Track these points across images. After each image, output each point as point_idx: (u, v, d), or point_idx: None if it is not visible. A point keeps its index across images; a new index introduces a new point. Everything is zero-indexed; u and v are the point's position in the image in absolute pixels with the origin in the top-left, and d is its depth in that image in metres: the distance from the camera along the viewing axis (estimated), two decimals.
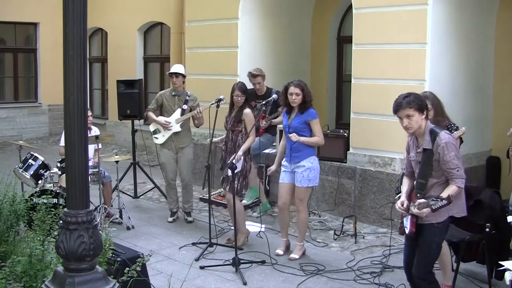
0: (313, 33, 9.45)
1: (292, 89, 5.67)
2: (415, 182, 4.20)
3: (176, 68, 7.12)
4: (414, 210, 3.94)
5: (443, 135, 4.00)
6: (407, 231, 4.12)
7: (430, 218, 4.02)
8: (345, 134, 7.34)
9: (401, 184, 4.93)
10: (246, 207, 7.62)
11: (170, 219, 7.20)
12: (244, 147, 6.05)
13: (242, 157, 5.96)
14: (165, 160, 7.14)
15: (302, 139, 5.68)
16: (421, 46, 6.46)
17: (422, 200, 3.93)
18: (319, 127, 5.81)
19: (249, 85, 7.38)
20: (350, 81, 7.28)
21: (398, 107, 4.03)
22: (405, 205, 4.12)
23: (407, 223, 4.13)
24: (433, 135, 4.01)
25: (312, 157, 5.80)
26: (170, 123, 6.99)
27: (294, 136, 5.66)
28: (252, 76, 7.35)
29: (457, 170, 3.95)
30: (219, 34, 8.62)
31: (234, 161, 5.73)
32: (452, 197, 3.83)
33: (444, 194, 3.89)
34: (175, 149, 7.10)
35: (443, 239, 4.27)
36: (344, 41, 9.21)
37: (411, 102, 3.98)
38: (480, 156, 7.40)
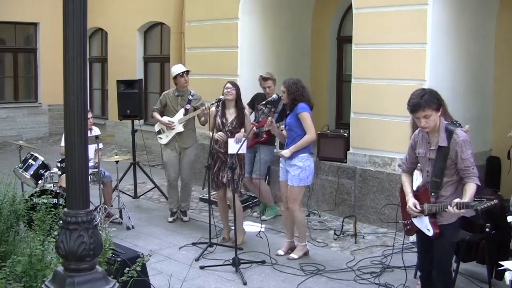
0: (313, 33, 9.45)
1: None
2: (423, 180, 4.13)
3: (179, 67, 7.09)
4: (454, 210, 3.74)
5: (460, 133, 3.89)
6: (430, 233, 3.98)
7: (442, 220, 3.96)
8: (345, 134, 7.34)
9: None
10: (246, 207, 7.63)
11: (170, 219, 7.20)
12: (245, 133, 6.05)
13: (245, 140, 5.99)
14: (167, 160, 7.13)
15: (291, 149, 5.65)
16: (421, 46, 6.46)
17: (458, 200, 3.75)
18: (309, 121, 5.67)
19: (256, 84, 7.35)
20: (350, 81, 7.28)
21: (416, 108, 3.83)
22: (418, 207, 4.00)
23: (426, 225, 4.00)
24: (449, 132, 3.89)
25: (305, 155, 5.71)
26: (173, 123, 6.99)
27: (285, 154, 5.67)
28: (262, 79, 7.06)
29: (473, 168, 3.86)
30: (219, 34, 8.62)
31: (234, 141, 5.95)
32: (500, 197, 3.74)
33: (467, 195, 3.77)
34: (178, 149, 7.08)
35: (457, 238, 4.25)
36: (344, 41, 9.21)
37: (430, 102, 3.80)
38: (480, 156, 7.39)
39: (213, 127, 6.22)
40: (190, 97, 7.04)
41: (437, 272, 4.06)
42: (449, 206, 3.78)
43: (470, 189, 3.81)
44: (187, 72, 7.07)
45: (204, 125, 7.02)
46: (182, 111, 7.02)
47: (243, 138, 5.92)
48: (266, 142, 7.10)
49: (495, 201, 3.64)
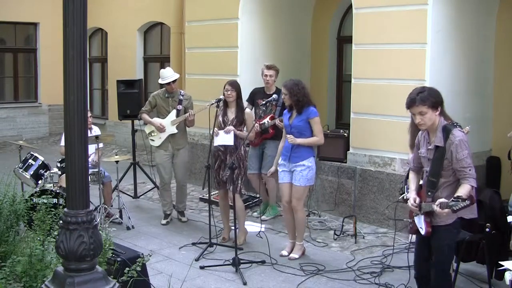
0: (313, 33, 9.45)
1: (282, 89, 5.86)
2: (423, 180, 4.12)
3: (170, 73, 6.98)
4: (436, 209, 3.77)
5: (457, 133, 3.87)
6: (422, 232, 4.00)
7: (438, 220, 3.94)
8: (345, 134, 7.34)
9: (406, 178, 4.92)
10: (246, 207, 7.62)
11: (164, 221, 7.11)
12: (241, 132, 6.10)
13: (233, 132, 6.05)
14: (160, 161, 7.07)
15: (299, 141, 5.67)
16: (421, 46, 6.46)
17: (443, 200, 3.76)
18: (319, 126, 5.80)
19: (256, 84, 7.34)
20: (350, 81, 7.28)
21: (411, 103, 3.88)
22: (417, 202, 4.01)
23: (421, 223, 4.02)
24: (446, 132, 3.88)
25: (311, 157, 5.80)
26: (164, 126, 6.94)
27: (290, 138, 5.68)
28: (266, 67, 7.16)
29: (469, 169, 3.82)
30: (219, 34, 8.62)
31: (224, 132, 6.05)
32: (474, 198, 3.67)
33: (460, 194, 3.74)
34: (172, 150, 7.05)
35: (455, 240, 4.19)
36: (344, 41, 9.21)
37: (425, 99, 3.83)
38: (480, 156, 7.39)
39: (216, 126, 6.24)
40: (181, 97, 6.99)
41: (435, 272, 4.05)
42: (434, 205, 3.81)
43: (463, 189, 3.79)
44: (174, 80, 6.97)
45: (189, 127, 7.08)
46: (174, 112, 6.95)
47: (231, 132, 6.04)
48: (272, 137, 7.15)
49: (467, 201, 3.62)
